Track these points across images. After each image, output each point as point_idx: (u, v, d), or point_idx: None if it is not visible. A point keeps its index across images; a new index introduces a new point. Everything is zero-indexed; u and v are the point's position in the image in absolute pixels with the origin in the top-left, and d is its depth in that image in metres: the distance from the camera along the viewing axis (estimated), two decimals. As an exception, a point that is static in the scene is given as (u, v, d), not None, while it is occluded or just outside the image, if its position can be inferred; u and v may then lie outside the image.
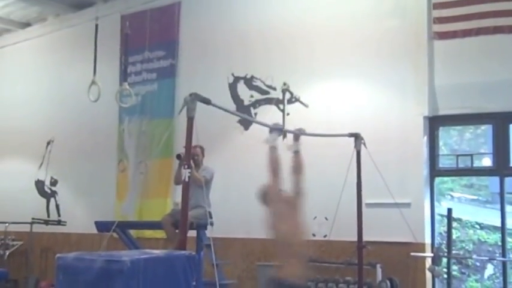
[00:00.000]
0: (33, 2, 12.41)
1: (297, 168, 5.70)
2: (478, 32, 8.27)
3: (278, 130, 6.01)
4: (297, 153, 5.92)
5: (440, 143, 8.82)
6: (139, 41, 10.91)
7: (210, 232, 7.78)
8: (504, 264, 8.33)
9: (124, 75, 9.87)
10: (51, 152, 12.60)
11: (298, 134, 6.24)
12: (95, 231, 9.21)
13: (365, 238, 7.58)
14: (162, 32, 11.15)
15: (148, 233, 10.40)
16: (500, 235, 8.52)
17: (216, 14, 10.66)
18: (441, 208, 8.86)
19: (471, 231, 9.68)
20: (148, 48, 11.22)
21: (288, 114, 9.53)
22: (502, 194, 8.30)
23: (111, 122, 11.62)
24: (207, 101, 5.34)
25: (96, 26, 9.34)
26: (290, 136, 9.26)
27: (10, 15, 13.26)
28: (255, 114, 9.97)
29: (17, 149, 13.13)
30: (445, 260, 7.71)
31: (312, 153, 8.99)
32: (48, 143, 12.63)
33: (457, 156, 8.71)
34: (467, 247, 9.95)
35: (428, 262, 7.82)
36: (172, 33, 11.11)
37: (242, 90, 10.19)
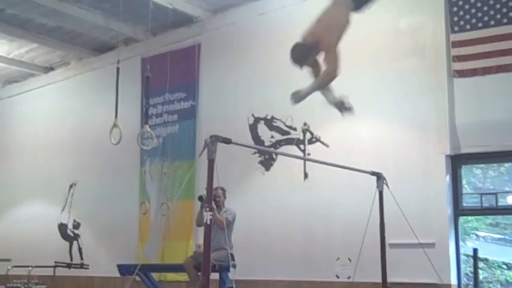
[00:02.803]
0: (56, 47, 12.66)
1: None
2: (498, 69, 8.23)
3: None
4: None
5: (464, 182, 8.72)
6: (160, 83, 11.01)
7: (232, 274, 7.74)
8: (533, 304, 8.16)
9: (145, 118, 9.95)
10: (73, 195, 12.69)
11: None
12: (117, 274, 9.21)
13: (389, 279, 7.47)
14: (183, 73, 11.27)
15: (171, 276, 10.38)
16: (528, 275, 8.37)
17: (235, 55, 10.75)
18: (466, 248, 8.71)
19: (498, 272, 9.48)
20: (169, 90, 11.33)
21: (309, 154, 9.52)
22: (528, 232, 8.18)
23: (133, 164, 11.69)
24: (227, 141, 5.36)
25: (118, 69, 9.44)
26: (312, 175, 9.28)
27: (34, 60, 13.53)
28: (276, 154, 9.97)
29: (40, 192, 13.25)
30: (472, 301, 7.58)
31: (334, 195, 9.05)
32: (71, 186, 12.73)
33: (481, 194, 8.59)
34: (494, 288, 9.76)
35: (455, 303, 7.69)
36: (192, 74, 11.22)
37: (263, 131, 10.21)
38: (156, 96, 11.37)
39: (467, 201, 8.67)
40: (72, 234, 12.60)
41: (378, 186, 7.34)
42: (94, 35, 12.13)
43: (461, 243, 8.50)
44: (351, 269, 8.27)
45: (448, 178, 8.48)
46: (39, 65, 13.82)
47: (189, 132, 11.09)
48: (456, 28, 8.58)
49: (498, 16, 8.32)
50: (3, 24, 11.44)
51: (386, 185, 7.33)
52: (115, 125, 9.31)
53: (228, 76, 10.76)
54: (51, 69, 13.97)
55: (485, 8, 8.41)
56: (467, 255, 8.59)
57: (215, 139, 5.16)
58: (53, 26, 11.69)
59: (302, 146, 9.67)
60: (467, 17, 8.51)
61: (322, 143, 9.48)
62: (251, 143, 10.04)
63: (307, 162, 9.37)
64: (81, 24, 11.49)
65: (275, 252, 9.56)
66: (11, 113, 14.74)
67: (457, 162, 8.58)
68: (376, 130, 9.04)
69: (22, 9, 10.84)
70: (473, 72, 8.41)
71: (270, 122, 10.13)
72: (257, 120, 10.28)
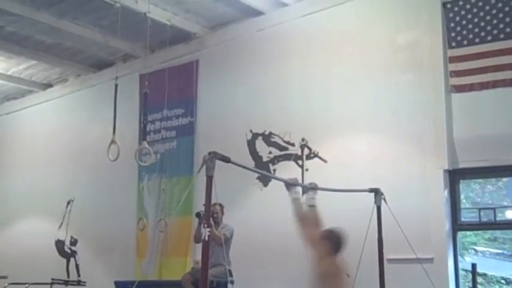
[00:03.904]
0: (54, 64, 12.70)
1: (316, 222, 5.91)
2: (495, 84, 8.26)
3: (294, 184, 6.11)
4: (312, 207, 6.11)
5: (462, 196, 8.71)
6: (158, 100, 11.03)
7: (230, 291, 7.71)
8: (532, 320, 8.12)
9: (143, 134, 9.96)
10: (71, 212, 12.66)
11: (314, 188, 6.35)
12: (115, 291, 9.16)
13: (388, 295, 7.44)
14: (181, 90, 11.28)
15: (169, 292, 10.32)
16: (527, 290, 8.34)
17: (233, 72, 10.78)
18: (465, 263, 8.69)
19: (497, 287, 9.44)
20: (167, 107, 11.34)
21: (307, 170, 9.51)
22: (527, 247, 8.16)
23: (131, 181, 11.67)
24: (226, 159, 5.34)
25: (116, 85, 9.47)
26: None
27: (32, 76, 13.57)
28: (274, 170, 9.95)
29: (37, 208, 13.21)
30: (471, 317, 7.54)
31: (331, 209, 8.91)
32: (68, 203, 12.70)
33: (480, 209, 8.57)
34: (493, 303, 9.71)
35: (454, 319, 7.64)
36: (190, 91, 11.23)
37: (261, 146, 10.21)
38: (154, 112, 11.38)
39: (466, 216, 8.65)
40: (69, 251, 12.55)
41: (375, 202, 7.32)
42: (92, 51, 12.16)
43: (459, 258, 8.48)
44: (349, 285, 8.23)
45: (446, 193, 8.48)
46: (38, 81, 13.84)
47: (187, 149, 11.08)
48: (453, 43, 8.61)
49: (495, 32, 8.37)
50: (1, 42, 11.47)
51: (384, 200, 7.32)
52: (113, 142, 9.32)
53: (226, 92, 10.77)
54: (50, 85, 13.99)
55: (482, 24, 8.46)
56: (466, 270, 8.56)
57: (213, 156, 5.14)
58: (51, 43, 11.72)
59: (300, 162, 9.65)
60: (464, 32, 8.56)
61: (320, 158, 9.48)
62: (249, 158, 10.05)
63: (305, 177, 9.34)
64: (79, 41, 11.53)
65: (273, 268, 9.52)
66: (9, 130, 14.74)
67: (455, 177, 8.58)
68: (374, 145, 9.04)
69: (21, 26, 10.87)
70: (471, 87, 8.44)
71: (268, 138, 10.14)
72: (255, 136, 10.28)
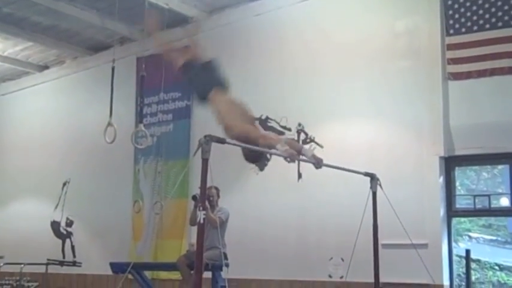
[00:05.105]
0: (51, 46, 12.63)
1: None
2: (493, 72, 8.27)
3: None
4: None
5: (457, 183, 8.77)
6: (155, 83, 11.01)
7: (225, 273, 7.74)
8: (524, 306, 8.20)
9: (140, 117, 9.96)
10: (67, 193, 12.68)
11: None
12: (110, 272, 9.20)
13: (382, 279, 7.44)
14: (177, 73, 11.23)
15: (164, 275, 10.37)
16: (520, 276, 8.42)
17: (230, 56, 10.72)
18: (459, 249, 8.76)
19: (490, 273, 9.54)
20: (163, 90, 11.33)
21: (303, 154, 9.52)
22: (520, 234, 8.23)
23: (127, 163, 11.68)
24: (222, 141, 5.35)
25: (113, 68, 9.45)
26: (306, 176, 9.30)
27: (29, 58, 13.50)
28: (270, 155, 9.96)
29: (33, 190, 13.22)
30: (464, 302, 7.61)
31: (327, 194, 9.08)
32: (64, 184, 12.72)
33: (474, 196, 8.63)
34: (486, 289, 9.80)
35: (447, 304, 7.70)
36: (187, 74, 11.20)
37: (257, 131, 10.20)
38: (150, 95, 11.37)
39: (461, 203, 8.71)
40: (65, 232, 12.58)
41: (371, 187, 7.33)
42: (89, 34, 12.11)
43: (453, 244, 8.55)
44: (343, 269, 8.30)
45: (441, 179, 8.52)
46: (34, 63, 13.78)
47: (183, 132, 11.08)
48: (451, 31, 8.62)
49: (493, 19, 8.38)
50: (-2, 23, 11.44)
51: (380, 185, 7.32)
52: (109, 124, 9.33)
53: (223, 76, 10.74)
54: (46, 67, 13.93)
55: (481, 12, 8.46)
56: (460, 256, 8.64)
57: (209, 139, 5.15)
58: (48, 25, 11.66)
59: (296, 147, 9.65)
60: (463, 20, 8.57)
61: (317, 143, 9.49)
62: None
63: (301, 163, 9.37)
64: (76, 23, 11.47)
65: (268, 252, 9.57)
66: (4, 111, 14.69)
67: (450, 163, 8.62)
68: (371, 131, 9.07)
69: (17, 7, 10.81)
70: (468, 75, 8.46)
71: (264, 122, 10.13)
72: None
